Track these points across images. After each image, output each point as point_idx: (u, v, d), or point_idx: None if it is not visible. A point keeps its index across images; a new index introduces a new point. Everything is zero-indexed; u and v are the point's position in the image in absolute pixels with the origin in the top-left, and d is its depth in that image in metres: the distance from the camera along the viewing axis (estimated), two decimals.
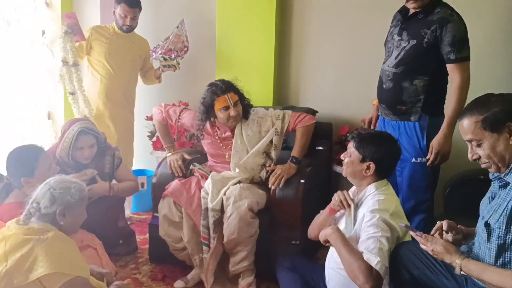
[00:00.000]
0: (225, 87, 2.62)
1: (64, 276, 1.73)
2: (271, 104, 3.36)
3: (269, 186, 2.62)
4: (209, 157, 2.88)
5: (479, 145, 1.60)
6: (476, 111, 1.60)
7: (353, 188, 2.13)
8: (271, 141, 2.72)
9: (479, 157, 1.62)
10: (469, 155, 1.65)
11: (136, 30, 3.49)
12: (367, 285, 1.75)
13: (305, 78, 3.47)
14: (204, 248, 2.56)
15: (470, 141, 1.63)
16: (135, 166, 3.74)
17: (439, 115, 2.45)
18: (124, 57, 3.38)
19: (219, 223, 2.52)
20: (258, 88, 3.33)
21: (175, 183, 2.68)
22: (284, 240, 2.62)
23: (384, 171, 2.05)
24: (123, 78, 3.39)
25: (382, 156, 2.01)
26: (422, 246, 1.71)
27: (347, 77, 3.33)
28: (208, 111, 2.66)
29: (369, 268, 1.77)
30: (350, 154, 2.06)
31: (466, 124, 1.61)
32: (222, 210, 2.55)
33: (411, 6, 2.38)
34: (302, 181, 2.63)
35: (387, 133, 2.19)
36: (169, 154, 2.90)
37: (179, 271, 2.78)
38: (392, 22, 2.59)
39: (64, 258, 1.77)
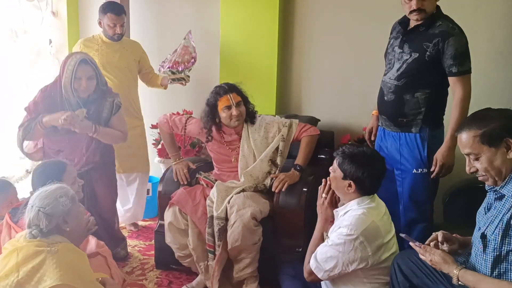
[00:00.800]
0: (228, 88, 2.72)
1: None
2: (274, 113, 3.42)
3: (273, 189, 2.68)
4: (215, 165, 2.94)
5: (477, 159, 1.65)
6: (474, 125, 1.64)
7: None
8: (277, 148, 2.78)
9: (477, 170, 1.67)
10: (467, 168, 1.70)
11: (143, 44, 3.53)
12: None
13: (307, 87, 3.53)
14: (210, 255, 2.62)
15: (468, 154, 1.67)
16: None
17: (439, 126, 2.50)
18: (119, 65, 3.37)
19: (223, 230, 2.58)
20: (261, 96, 3.38)
21: (180, 191, 2.74)
22: (287, 248, 2.67)
23: (366, 189, 2.06)
24: (123, 86, 3.36)
25: (362, 176, 2.02)
26: (421, 256, 1.77)
27: (349, 86, 3.39)
28: (212, 111, 2.73)
29: (307, 268, 2.10)
30: (334, 170, 2.10)
31: (465, 138, 1.66)
32: (226, 218, 2.60)
33: (414, 18, 2.40)
34: (305, 189, 2.69)
35: (372, 152, 2.17)
36: (175, 162, 2.95)
37: (185, 278, 2.85)
38: (391, 33, 2.62)
39: (74, 271, 1.80)
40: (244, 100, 2.75)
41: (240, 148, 2.79)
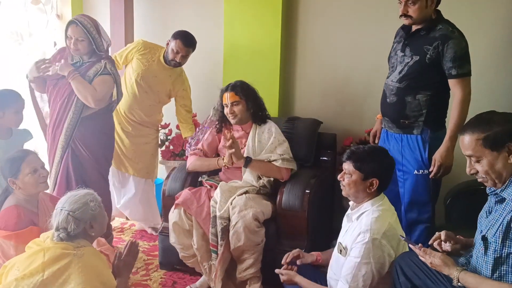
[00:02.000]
0: (230, 86, 2.81)
1: None
2: (277, 115, 3.45)
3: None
4: None
5: (478, 161, 1.67)
6: (478, 128, 1.65)
7: (351, 203, 2.20)
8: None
9: (477, 172, 1.70)
10: (467, 169, 1.72)
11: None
12: None
13: (309, 89, 3.55)
14: (213, 255, 2.65)
15: (469, 156, 1.69)
16: None
17: (441, 128, 2.53)
18: (154, 85, 3.36)
19: (226, 230, 2.61)
20: (264, 99, 3.37)
21: (185, 192, 2.77)
22: (289, 249, 2.67)
23: (385, 184, 2.11)
24: (145, 102, 3.39)
25: (384, 170, 2.09)
26: (421, 258, 1.79)
27: (351, 89, 3.42)
28: (221, 105, 2.85)
29: None
30: (351, 174, 2.08)
31: (467, 141, 1.67)
32: (229, 218, 2.63)
33: (405, 22, 2.48)
34: (307, 191, 2.72)
35: (380, 147, 2.28)
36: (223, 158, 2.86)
37: (189, 278, 2.89)
38: (395, 38, 2.67)
39: (97, 275, 1.87)
40: (248, 100, 2.78)
41: (246, 144, 2.83)
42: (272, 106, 3.46)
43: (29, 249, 1.93)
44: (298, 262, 2.25)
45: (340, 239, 2.17)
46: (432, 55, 2.40)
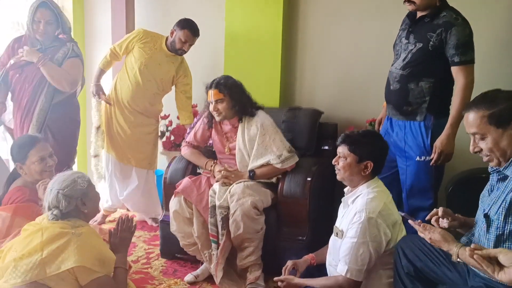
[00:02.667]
0: (212, 83, 2.77)
1: (93, 273, 1.84)
2: (278, 105, 3.44)
3: (216, 180, 2.73)
4: (217, 155, 2.99)
5: (482, 139, 1.65)
6: (483, 105, 1.64)
7: (346, 188, 2.22)
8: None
9: (481, 150, 1.68)
10: (471, 148, 1.71)
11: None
12: None
13: (311, 79, 3.55)
14: (213, 245, 2.64)
15: (474, 134, 1.67)
16: None
17: (444, 116, 2.51)
18: (157, 73, 3.36)
19: (226, 219, 2.60)
20: (265, 89, 3.42)
21: (186, 180, 2.76)
22: (290, 236, 2.70)
23: (379, 167, 2.16)
24: (149, 91, 3.38)
25: (378, 153, 2.13)
26: (420, 234, 1.78)
27: (353, 78, 3.41)
28: (207, 101, 2.84)
29: (339, 281, 2.01)
30: (346, 157, 2.12)
31: (472, 118, 1.66)
32: (229, 207, 2.62)
33: (409, 8, 2.47)
34: (309, 179, 2.71)
35: (373, 131, 2.33)
36: (212, 165, 2.86)
37: (190, 266, 2.88)
38: (401, 25, 2.66)
39: (95, 254, 1.88)
40: (232, 97, 2.75)
41: (236, 141, 2.82)
42: (273, 96, 3.46)
43: (25, 231, 1.93)
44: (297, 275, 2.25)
45: (336, 223, 2.19)
46: (435, 42, 2.39)
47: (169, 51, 3.34)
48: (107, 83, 3.58)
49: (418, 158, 2.49)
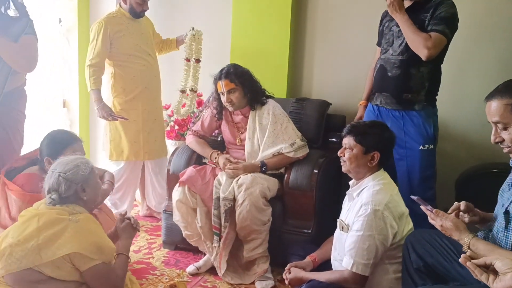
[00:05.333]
0: (222, 74, 2.71)
1: (90, 260, 1.80)
2: (285, 95, 3.38)
3: (227, 169, 2.67)
4: (226, 146, 2.94)
5: (505, 128, 1.58)
6: (507, 93, 1.56)
7: (351, 181, 2.18)
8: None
9: (502, 141, 1.60)
10: (492, 137, 1.63)
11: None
12: (349, 286, 1.97)
13: (319, 70, 3.48)
14: (215, 237, 2.59)
15: (496, 123, 1.60)
16: None
17: (435, 105, 2.55)
18: (146, 42, 3.23)
19: (230, 212, 2.55)
20: (272, 79, 3.35)
21: (190, 170, 2.71)
22: (296, 228, 2.65)
23: (387, 158, 2.11)
24: (154, 64, 3.27)
25: (386, 143, 2.09)
26: (430, 221, 1.71)
27: (361, 70, 3.32)
28: (216, 91, 2.78)
29: (345, 275, 1.96)
30: (352, 148, 2.08)
31: (495, 106, 1.58)
32: (235, 199, 2.57)
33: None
34: (316, 171, 2.66)
35: (379, 122, 2.28)
36: (217, 156, 2.79)
37: (192, 257, 2.84)
38: (382, 20, 2.67)
39: (92, 242, 1.83)
40: (244, 85, 2.70)
41: (246, 130, 2.77)
42: (280, 86, 3.40)
43: (22, 217, 1.89)
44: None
45: (341, 217, 2.14)
46: (429, 20, 2.38)
47: (135, 17, 3.18)
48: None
49: (421, 147, 2.47)
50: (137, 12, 3.17)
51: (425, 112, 2.48)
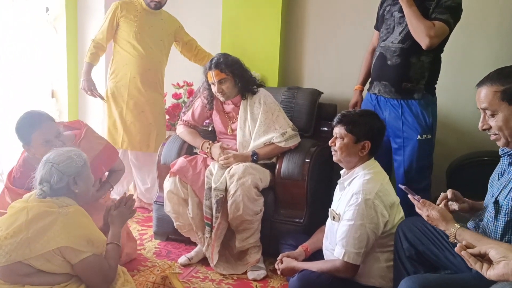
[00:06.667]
0: (212, 64, 2.67)
1: (80, 253, 1.78)
2: (276, 84, 3.36)
3: (219, 161, 2.65)
4: (217, 135, 2.92)
5: (492, 116, 1.56)
6: (497, 81, 1.55)
7: (342, 171, 2.18)
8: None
9: (489, 128, 1.59)
10: (480, 125, 1.62)
11: None
12: (341, 275, 1.99)
13: (310, 59, 3.47)
14: (206, 228, 2.58)
15: (484, 110, 1.59)
16: None
17: (434, 94, 2.53)
18: (154, 36, 3.21)
19: (222, 202, 2.53)
20: (263, 68, 3.34)
21: (181, 160, 2.69)
22: (288, 218, 2.65)
23: (377, 147, 2.11)
24: (155, 59, 3.24)
25: (376, 133, 2.09)
26: (418, 210, 1.71)
27: (352, 59, 3.32)
28: (207, 82, 2.75)
29: (336, 264, 1.98)
30: (343, 137, 2.08)
31: (484, 93, 1.57)
32: (226, 189, 2.55)
33: None
34: (307, 160, 2.65)
35: (370, 111, 2.28)
36: (209, 146, 2.77)
37: (184, 248, 2.82)
38: (383, 3, 2.62)
39: (82, 235, 1.81)
40: (234, 75, 2.67)
41: (237, 120, 2.75)
42: (272, 75, 3.38)
43: (11, 209, 1.86)
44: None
45: (333, 206, 2.15)
46: (434, 8, 2.35)
47: (148, 7, 3.17)
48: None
49: (419, 137, 2.45)
50: (148, 1, 3.15)
51: (424, 100, 2.45)
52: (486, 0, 2.97)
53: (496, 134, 1.59)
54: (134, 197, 3.44)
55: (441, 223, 1.62)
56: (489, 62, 2.88)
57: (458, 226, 1.58)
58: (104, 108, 3.32)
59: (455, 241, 1.57)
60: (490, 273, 1.28)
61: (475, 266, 1.32)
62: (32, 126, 2.15)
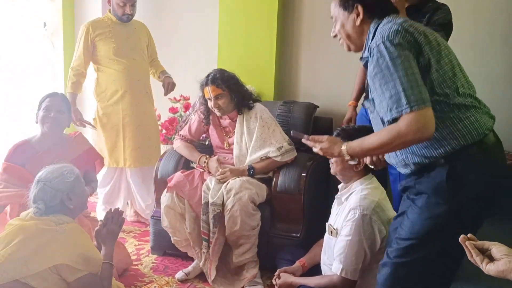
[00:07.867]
0: (208, 79, 2.69)
1: (77, 271, 1.78)
2: (272, 98, 3.38)
3: (216, 176, 2.66)
4: (214, 150, 2.93)
5: (336, 22, 1.72)
6: None
7: (340, 185, 2.18)
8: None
9: (336, 35, 1.74)
10: (331, 33, 1.77)
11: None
12: None
13: (306, 73, 3.49)
14: (204, 243, 2.58)
15: (332, 18, 1.75)
16: None
17: None
18: (134, 47, 3.18)
19: (219, 217, 2.54)
20: (259, 82, 3.35)
21: (178, 175, 2.69)
22: (285, 233, 2.65)
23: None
24: (141, 69, 3.22)
25: None
26: (314, 150, 1.73)
27: (348, 73, 3.34)
28: (204, 97, 2.76)
29: (334, 280, 1.98)
30: None
31: (332, 5, 1.73)
32: (223, 204, 2.56)
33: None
34: (304, 174, 2.66)
35: (368, 126, 2.25)
36: (206, 161, 2.78)
37: (181, 263, 2.82)
38: None
39: (79, 253, 1.81)
40: (230, 90, 2.69)
41: (234, 134, 2.77)
42: (268, 89, 3.40)
43: (9, 226, 1.86)
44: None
45: (330, 221, 2.15)
46: (425, 25, 2.36)
47: (120, 21, 3.14)
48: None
49: None
50: (119, 15, 3.13)
51: None
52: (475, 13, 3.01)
53: (340, 39, 1.73)
54: (131, 212, 3.46)
55: (333, 149, 1.66)
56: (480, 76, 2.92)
57: (345, 143, 1.62)
58: (98, 133, 3.24)
59: (349, 157, 1.61)
60: (489, 267, 1.30)
61: (476, 258, 1.33)
62: (46, 96, 2.60)
